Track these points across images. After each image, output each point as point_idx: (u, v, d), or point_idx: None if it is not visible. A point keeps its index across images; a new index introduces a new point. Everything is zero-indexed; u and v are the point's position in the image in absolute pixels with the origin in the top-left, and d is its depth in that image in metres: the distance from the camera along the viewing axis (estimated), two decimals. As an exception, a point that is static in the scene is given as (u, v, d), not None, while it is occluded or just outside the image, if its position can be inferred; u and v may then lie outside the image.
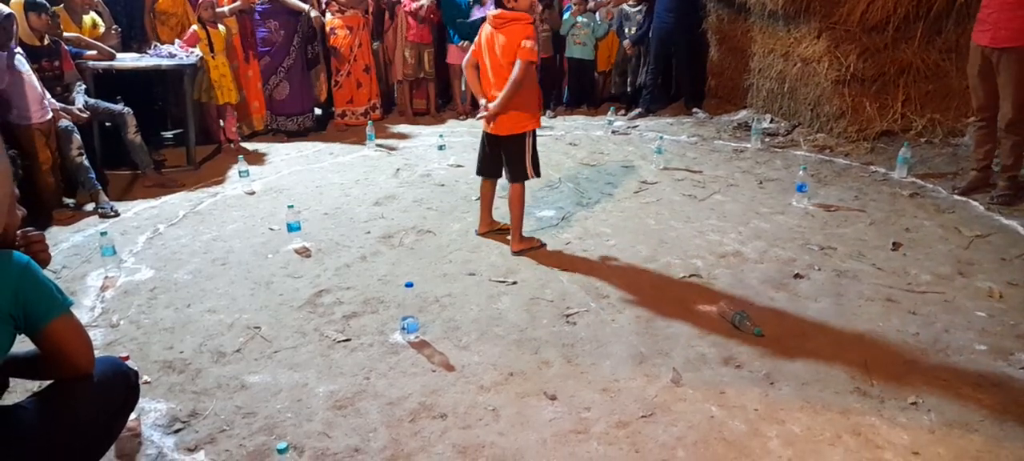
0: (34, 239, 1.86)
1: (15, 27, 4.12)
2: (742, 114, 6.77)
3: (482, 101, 3.64)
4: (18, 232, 1.83)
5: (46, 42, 4.60)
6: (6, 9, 4.12)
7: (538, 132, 3.75)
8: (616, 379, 2.65)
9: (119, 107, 4.84)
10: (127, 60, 5.31)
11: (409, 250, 3.86)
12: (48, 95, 4.40)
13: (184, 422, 2.43)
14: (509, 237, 3.82)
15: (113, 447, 2.14)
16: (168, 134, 6.23)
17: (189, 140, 5.45)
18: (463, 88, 7.01)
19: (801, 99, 6.18)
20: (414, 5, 6.51)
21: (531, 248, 3.80)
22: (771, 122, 6.42)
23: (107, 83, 5.13)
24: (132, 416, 2.16)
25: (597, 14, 7.05)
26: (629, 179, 5.03)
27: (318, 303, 3.26)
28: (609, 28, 7.08)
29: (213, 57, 5.60)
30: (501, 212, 3.96)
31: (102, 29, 5.40)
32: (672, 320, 3.07)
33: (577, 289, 3.37)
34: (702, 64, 7.35)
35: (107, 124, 5.06)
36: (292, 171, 5.35)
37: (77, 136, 4.43)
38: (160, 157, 5.48)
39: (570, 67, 7.23)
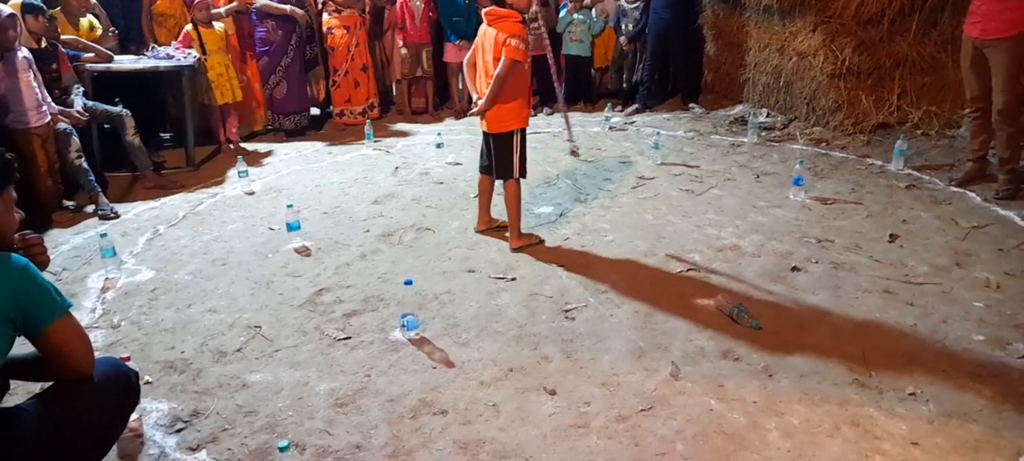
0: (32, 242, 1.87)
1: (19, 27, 4.11)
2: (738, 109, 6.79)
3: (474, 97, 3.67)
4: (16, 235, 1.83)
5: (43, 45, 4.59)
6: (7, 9, 4.11)
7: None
8: (615, 373, 2.66)
9: (117, 109, 4.84)
10: (125, 62, 5.31)
11: (408, 248, 3.87)
12: (48, 98, 4.40)
13: (186, 422, 2.44)
14: (508, 234, 3.83)
15: (115, 447, 2.15)
16: (166, 136, 6.23)
17: (188, 141, 5.45)
18: (461, 86, 7.02)
19: (797, 93, 6.19)
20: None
21: (530, 244, 3.81)
22: (767, 116, 6.44)
23: (105, 85, 5.13)
24: (134, 416, 2.17)
25: (593, 10, 7.05)
26: (627, 174, 5.04)
27: (318, 302, 3.27)
28: (605, 25, 7.09)
29: (205, 58, 5.60)
30: (499, 209, 3.97)
31: (99, 31, 5.39)
32: (670, 314, 3.08)
33: (576, 284, 3.38)
34: (698, 59, 7.36)
35: (106, 126, 5.05)
36: (291, 171, 5.35)
37: (76, 139, 4.43)
38: (159, 158, 5.47)
39: (566, 64, 7.24)
